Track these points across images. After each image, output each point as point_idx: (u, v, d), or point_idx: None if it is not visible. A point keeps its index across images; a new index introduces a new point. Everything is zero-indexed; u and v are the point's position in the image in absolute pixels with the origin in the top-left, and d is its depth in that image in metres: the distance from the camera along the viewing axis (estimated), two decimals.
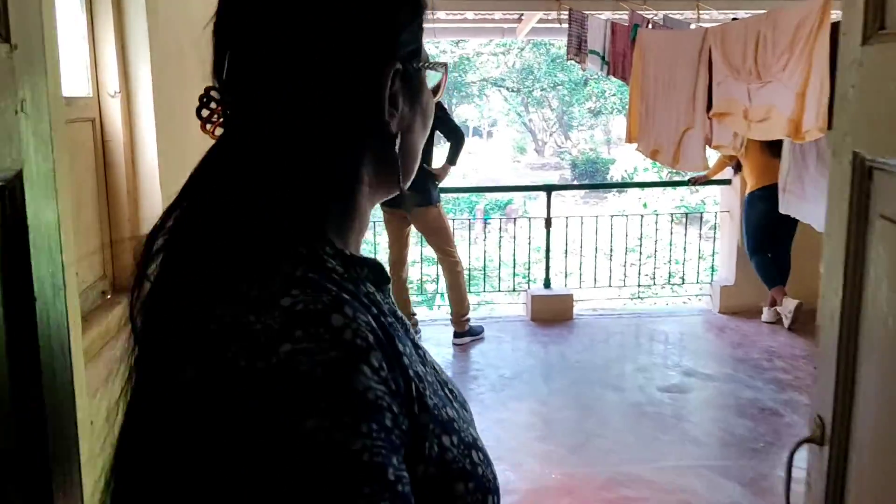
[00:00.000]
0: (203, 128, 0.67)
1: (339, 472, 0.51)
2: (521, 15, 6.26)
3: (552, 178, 25.95)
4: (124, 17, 2.89)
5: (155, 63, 2.95)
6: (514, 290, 6.46)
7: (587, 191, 20.92)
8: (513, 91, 23.78)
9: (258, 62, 0.64)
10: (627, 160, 13.04)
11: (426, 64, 0.71)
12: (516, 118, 28.35)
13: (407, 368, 0.61)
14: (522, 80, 22.07)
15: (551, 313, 5.57)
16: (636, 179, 12.30)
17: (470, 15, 6.20)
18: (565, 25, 5.44)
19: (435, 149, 5.21)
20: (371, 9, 0.65)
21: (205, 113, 0.67)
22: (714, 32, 3.51)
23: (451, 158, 5.06)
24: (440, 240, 5.13)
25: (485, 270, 6.49)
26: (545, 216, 5.80)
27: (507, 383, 4.51)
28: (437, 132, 5.10)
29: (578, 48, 5.00)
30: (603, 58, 4.65)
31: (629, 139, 4.36)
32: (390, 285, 0.74)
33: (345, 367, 0.53)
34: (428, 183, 5.00)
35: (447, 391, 0.71)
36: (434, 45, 17.76)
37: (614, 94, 18.83)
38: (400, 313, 0.71)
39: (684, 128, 3.65)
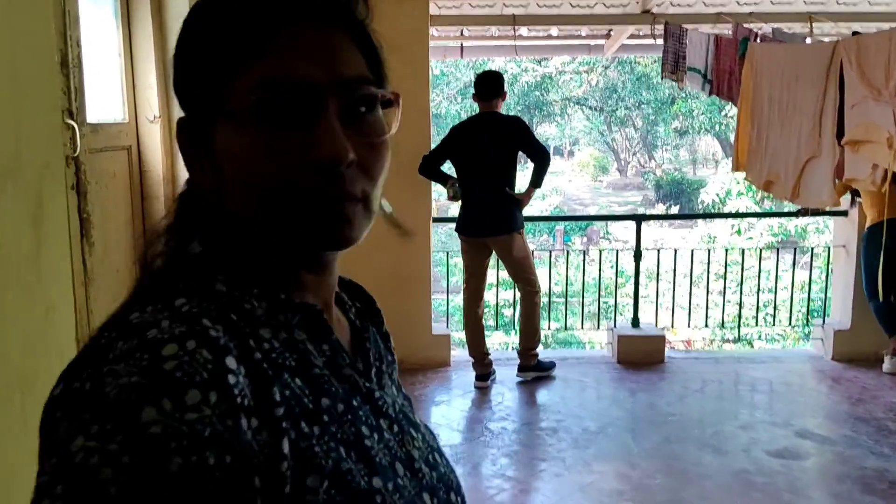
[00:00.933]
0: None
1: (75, 495, 0.47)
2: (611, 31, 5.76)
3: (635, 198, 25.11)
4: (166, 32, 2.56)
5: None
6: (596, 326, 5.94)
7: (676, 215, 20.08)
8: (595, 110, 23.15)
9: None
10: (718, 182, 12.27)
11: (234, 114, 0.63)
12: (598, 137, 27.65)
13: (280, 422, 0.56)
14: (605, 98, 21.43)
15: (640, 355, 5.03)
16: (729, 203, 11.53)
17: (554, 31, 5.75)
18: (659, 41, 4.92)
19: (518, 172, 4.75)
20: (185, 57, 0.66)
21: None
22: (847, 46, 2.95)
23: (536, 181, 4.60)
24: (523, 269, 4.67)
25: (566, 298, 5.96)
26: (634, 247, 5.26)
27: (592, 439, 3.99)
28: (520, 153, 4.66)
29: (675, 65, 4.49)
30: (704, 76, 4.13)
31: (737, 167, 3.81)
32: (384, 328, 0.83)
33: (139, 395, 0.50)
34: (512, 208, 4.56)
35: (400, 457, 0.67)
36: (516, 64, 17.35)
37: (703, 114, 17.99)
38: (349, 371, 0.68)
39: (807, 156, 3.10)
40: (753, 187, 3.50)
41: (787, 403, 4.51)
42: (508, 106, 20.55)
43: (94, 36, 2.33)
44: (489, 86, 4.55)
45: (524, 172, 4.69)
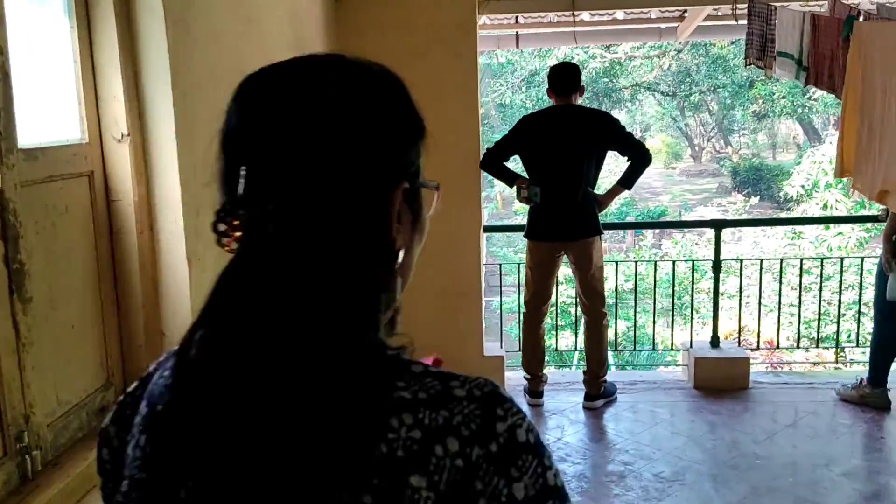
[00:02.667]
0: (219, 242, 0.67)
1: None
2: (685, 12, 5.09)
3: (710, 185, 24.02)
4: (136, 32, 2.09)
5: (180, 95, 2.14)
6: (671, 347, 5.30)
7: (756, 205, 19.00)
8: (667, 95, 22.13)
9: (276, 181, 0.64)
10: (803, 172, 11.29)
11: (424, 183, 0.74)
12: (671, 123, 26.60)
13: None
14: (678, 83, 20.40)
15: (721, 380, 4.39)
16: (816, 196, 10.58)
17: (620, 15, 5.11)
18: (742, 23, 4.24)
19: (601, 171, 4.13)
20: (382, 132, 0.68)
21: (221, 227, 0.66)
22: None
23: (627, 181, 4.02)
24: (597, 281, 4.11)
25: (635, 295, 5.33)
26: (713, 258, 4.61)
27: (665, 488, 3.40)
28: (611, 151, 4.07)
29: (762, 50, 3.82)
30: (799, 62, 3.45)
31: (840, 172, 3.15)
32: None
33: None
34: (594, 209, 3.99)
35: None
36: (583, 51, 16.55)
37: (784, 97, 16.83)
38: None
39: None
40: (886, 206, 2.76)
41: (893, 440, 3.82)
42: None
43: (37, 40, 1.88)
44: (567, 78, 3.99)
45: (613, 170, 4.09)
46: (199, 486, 0.62)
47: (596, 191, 4.06)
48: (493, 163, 4.08)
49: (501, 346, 4.81)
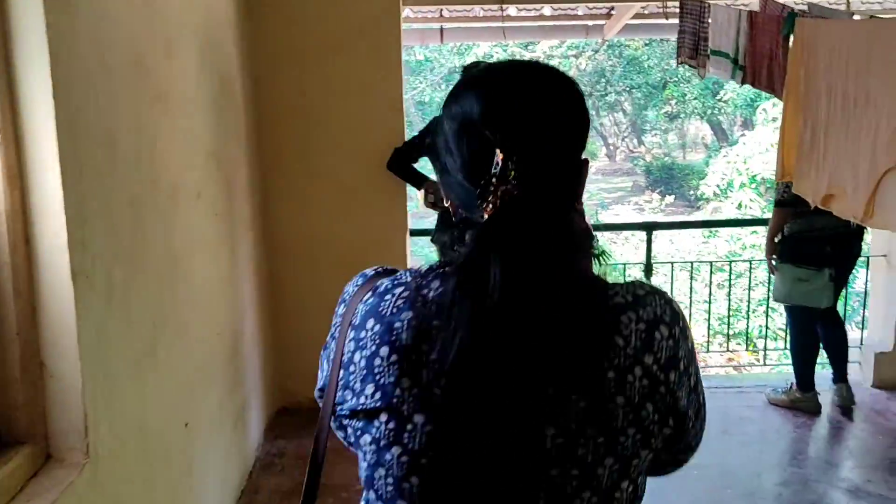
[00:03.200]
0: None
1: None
2: (612, 9, 4.97)
3: (625, 184, 24.40)
4: (6, 9, 1.76)
5: (62, 85, 1.81)
6: None
7: (672, 203, 19.38)
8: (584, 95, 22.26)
9: (525, 159, 0.83)
10: (718, 172, 11.48)
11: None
12: None
13: None
14: (594, 83, 20.63)
15: None
16: (731, 195, 10.75)
17: (547, 10, 4.95)
18: (673, 21, 4.14)
19: None
20: (584, 124, 0.89)
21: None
22: None
23: None
24: None
25: None
26: (644, 261, 4.49)
27: None
28: None
29: (695, 48, 3.70)
30: (735, 61, 3.35)
31: (783, 174, 3.04)
32: None
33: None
34: None
35: None
36: (502, 49, 16.48)
37: (695, 98, 17.19)
38: None
39: (888, 166, 2.34)
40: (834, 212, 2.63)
41: (827, 447, 3.77)
42: None
43: None
44: None
45: None
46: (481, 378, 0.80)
47: None
48: (401, 164, 3.86)
49: None
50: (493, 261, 0.80)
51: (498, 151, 0.82)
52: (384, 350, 0.86)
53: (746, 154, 10.57)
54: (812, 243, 3.75)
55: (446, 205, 3.02)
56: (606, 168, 27.11)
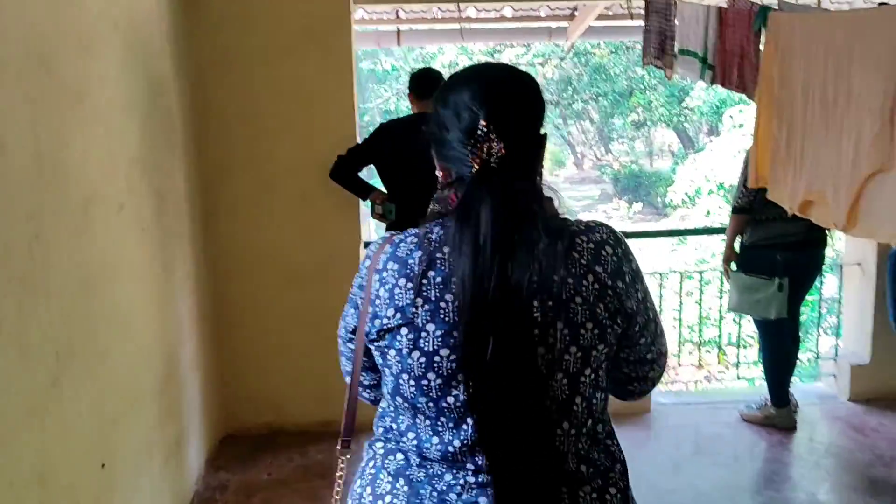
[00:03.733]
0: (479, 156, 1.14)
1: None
2: (575, 10, 4.76)
3: (593, 192, 24.35)
4: None
5: None
6: None
7: (640, 211, 19.35)
8: (551, 104, 22.24)
9: (503, 130, 1.12)
10: (685, 179, 11.36)
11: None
12: (554, 131, 26.90)
13: None
14: (561, 91, 20.55)
15: (621, 404, 4.04)
16: (699, 202, 10.63)
17: (508, 12, 4.73)
18: (638, 23, 3.94)
19: None
20: (543, 107, 1.22)
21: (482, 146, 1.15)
22: None
23: None
24: None
25: None
26: None
27: None
28: None
29: (661, 48, 3.50)
30: (704, 60, 3.14)
31: (757, 181, 2.82)
32: None
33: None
34: None
35: None
36: (468, 57, 16.29)
37: (661, 106, 17.13)
38: None
39: (871, 170, 2.12)
40: (814, 220, 2.44)
41: (804, 467, 3.57)
42: None
43: None
44: (435, 81, 3.56)
45: None
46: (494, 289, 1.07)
47: None
48: (345, 173, 3.60)
49: None
50: (484, 201, 1.09)
51: (481, 121, 1.12)
52: (402, 281, 1.13)
53: (714, 161, 10.46)
54: (764, 251, 3.59)
55: (392, 218, 3.11)
56: (574, 176, 27.05)
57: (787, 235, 3.55)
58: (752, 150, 2.74)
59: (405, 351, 1.12)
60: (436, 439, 1.12)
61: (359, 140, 3.79)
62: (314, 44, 3.72)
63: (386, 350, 1.15)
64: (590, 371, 1.12)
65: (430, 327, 1.10)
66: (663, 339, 1.27)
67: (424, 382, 1.11)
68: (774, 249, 3.58)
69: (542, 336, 1.07)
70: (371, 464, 1.21)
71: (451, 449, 1.11)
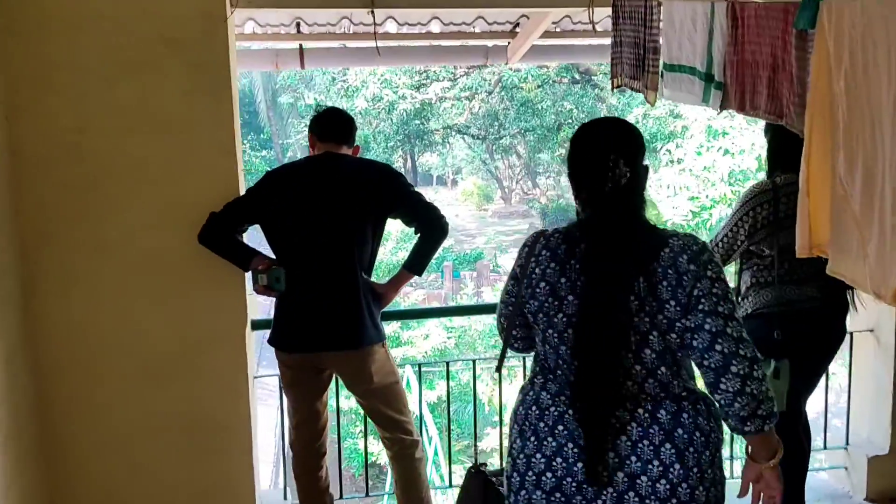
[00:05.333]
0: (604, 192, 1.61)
1: None
2: (517, 26, 3.85)
3: (522, 226, 23.80)
4: None
5: None
6: None
7: None
8: (477, 138, 21.67)
9: (634, 160, 1.63)
10: None
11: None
12: (481, 165, 26.39)
13: None
14: (488, 126, 19.90)
15: None
16: None
17: (436, 27, 3.78)
18: (595, 40, 3.03)
19: (380, 247, 2.76)
20: (642, 144, 1.69)
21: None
22: None
23: (417, 262, 2.67)
24: (390, 404, 2.69)
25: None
26: None
27: None
28: (392, 217, 2.68)
29: (639, 65, 2.58)
30: (708, 77, 2.21)
31: (810, 249, 1.85)
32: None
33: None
34: (368, 306, 2.58)
35: None
36: (392, 91, 15.40)
37: None
38: None
39: None
40: None
41: None
42: (387, 136, 18.58)
43: None
44: (338, 122, 2.70)
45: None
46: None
47: (375, 277, 2.67)
48: (218, 234, 2.59)
49: (286, 498, 3.21)
50: (612, 210, 1.58)
51: (612, 157, 1.57)
52: (552, 264, 1.62)
53: (654, 198, 9.75)
54: (759, 323, 2.67)
55: (282, 288, 2.49)
56: (502, 210, 26.50)
57: (792, 302, 2.66)
58: (800, 203, 1.82)
59: (551, 312, 1.59)
60: (569, 373, 1.60)
61: (242, 190, 2.77)
62: (177, 57, 2.68)
63: (536, 311, 1.62)
64: (674, 335, 1.55)
65: (570, 297, 1.57)
66: (742, 334, 1.54)
67: (566, 335, 1.58)
68: (772, 320, 2.67)
69: (637, 312, 1.54)
70: (532, 391, 1.65)
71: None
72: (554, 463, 1.56)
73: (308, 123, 2.75)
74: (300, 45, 3.79)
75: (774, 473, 1.60)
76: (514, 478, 1.63)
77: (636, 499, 1.52)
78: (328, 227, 2.51)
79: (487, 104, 17.64)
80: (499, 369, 1.88)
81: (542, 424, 1.59)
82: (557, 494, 1.56)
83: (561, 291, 1.57)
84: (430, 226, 2.58)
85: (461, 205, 27.01)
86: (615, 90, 2.90)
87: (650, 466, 1.51)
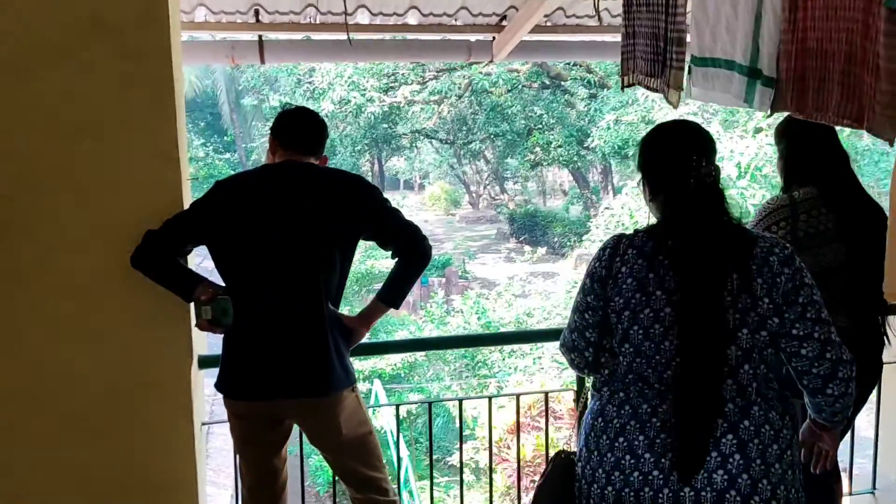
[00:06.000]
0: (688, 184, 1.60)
1: None
2: (504, 19, 3.42)
3: (489, 231, 23.48)
4: None
5: None
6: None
7: (539, 250, 18.42)
8: (446, 143, 21.27)
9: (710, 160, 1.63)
10: (601, 226, 10.26)
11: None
12: (449, 170, 26.03)
13: None
14: (456, 131, 19.51)
15: None
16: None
17: (412, 18, 3.34)
18: (591, 36, 2.62)
19: (349, 272, 2.28)
20: (714, 145, 1.68)
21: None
22: None
23: (393, 293, 2.21)
24: (361, 459, 2.23)
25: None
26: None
27: None
28: (365, 238, 2.22)
29: (659, 59, 2.18)
30: (755, 72, 1.81)
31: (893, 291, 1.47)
32: None
33: None
34: (335, 344, 2.12)
35: None
36: (360, 94, 14.93)
37: (560, 146, 16.22)
38: None
39: None
40: None
41: None
42: (354, 140, 18.06)
43: None
44: (305, 126, 2.24)
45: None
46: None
47: (343, 308, 2.21)
48: (155, 256, 2.11)
49: None
50: (693, 209, 1.57)
51: (695, 157, 1.57)
52: (640, 261, 1.57)
53: (633, 206, 9.42)
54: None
55: (228, 322, 2.10)
56: (470, 216, 26.15)
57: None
58: (890, 239, 1.42)
59: (638, 308, 1.56)
60: (650, 371, 1.57)
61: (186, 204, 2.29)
62: (108, 44, 2.20)
63: (622, 309, 1.58)
64: (765, 333, 1.54)
65: (658, 293, 1.54)
66: (831, 335, 1.56)
67: (652, 331, 1.55)
68: None
69: (729, 307, 1.52)
70: (622, 393, 1.61)
71: (664, 376, 1.56)
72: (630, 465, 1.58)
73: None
74: (259, 37, 3.31)
75: (833, 435, 1.78)
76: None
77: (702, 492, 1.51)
78: (288, 250, 2.05)
79: (456, 108, 17.25)
80: (577, 400, 1.88)
81: (627, 427, 1.59)
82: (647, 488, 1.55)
83: (649, 287, 1.55)
84: (411, 251, 2.13)
85: (429, 209, 26.61)
86: (626, 88, 2.48)
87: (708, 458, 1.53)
